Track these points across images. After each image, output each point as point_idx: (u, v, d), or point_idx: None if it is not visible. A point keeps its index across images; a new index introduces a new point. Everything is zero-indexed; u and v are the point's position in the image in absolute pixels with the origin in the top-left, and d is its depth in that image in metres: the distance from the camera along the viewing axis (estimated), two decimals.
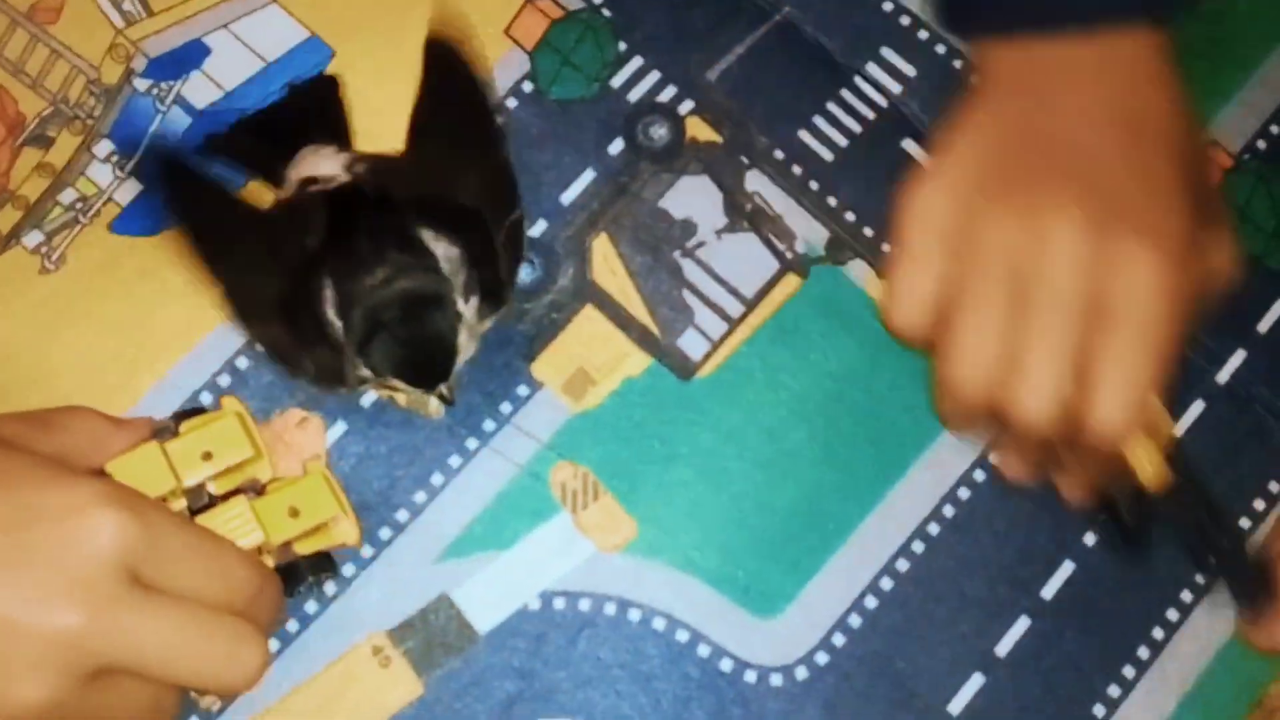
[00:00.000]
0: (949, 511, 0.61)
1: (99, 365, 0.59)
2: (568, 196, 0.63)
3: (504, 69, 0.65)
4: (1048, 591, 0.60)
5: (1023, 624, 0.60)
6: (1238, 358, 0.64)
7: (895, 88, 0.66)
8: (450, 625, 0.58)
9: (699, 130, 0.65)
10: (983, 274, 0.51)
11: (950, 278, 0.52)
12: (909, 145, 0.65)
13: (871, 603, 0.59)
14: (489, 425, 0.60)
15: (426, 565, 0.59)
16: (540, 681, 0.58)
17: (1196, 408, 0.63)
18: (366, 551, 0.58)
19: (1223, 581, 0.58)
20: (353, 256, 0.54)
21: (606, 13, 0.66)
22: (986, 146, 0.53)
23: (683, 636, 0.58)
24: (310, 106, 0.61)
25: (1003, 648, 0.59)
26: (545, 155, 0.64)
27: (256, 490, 0.55)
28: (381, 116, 0.61)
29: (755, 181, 0.64)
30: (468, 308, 0.55)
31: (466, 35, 0.60)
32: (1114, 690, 0.59)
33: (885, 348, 0.58)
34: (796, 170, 0.64)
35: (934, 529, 0.60)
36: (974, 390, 0.51)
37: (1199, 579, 0.61)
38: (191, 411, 0.57)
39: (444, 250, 0.54)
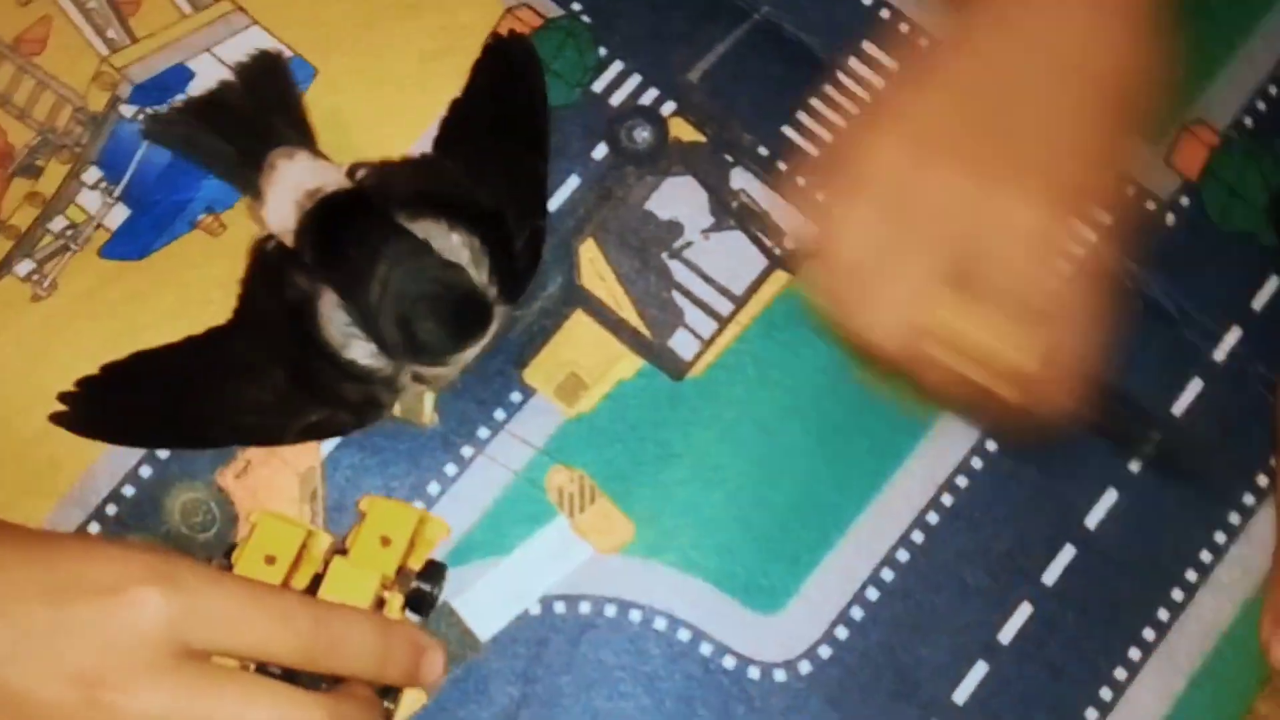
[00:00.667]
0: (947, 500, 0.60)
1: None
2: (553, 203, 0.64)
3: None
4: (1049, 577, 0.60)
5: (1025, 611, 0.59)
6: (1234, 335, 0.63)
7: (879, 81, 0.66)
8: (452, 633, 0.58)
9: (682, 131, 0.65)
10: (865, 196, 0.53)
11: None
12: None
13: (873, 594, 0.59)
14: (483, 433, 0.60)
15: None
16: (543, 686, 0.58)
17: (1195, 386, 0.63)
18: None
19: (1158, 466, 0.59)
20: (348, 266, 0.55)
21: (586, 19, 0.66)
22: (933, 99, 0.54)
23: (684, 635, 0.58)
24: (260, 89, 0.61)
25: (1005, 635, 0.59)
26: None
27: (341, 550, 0.55)
28: (366, 131, 0.61)
29: (740, 179, 0.64)
30: (490, 291, 0.55)
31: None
32: (1120, 673, 0.59)
33: None
34: (782, 166, 0.64)
35: (933, 518, 0.60)
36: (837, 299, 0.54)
37: (1203, 558, 0.60)
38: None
39: (459, 239, 0.55)
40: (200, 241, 0.62)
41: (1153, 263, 0.64)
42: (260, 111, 0.60)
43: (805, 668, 0.58)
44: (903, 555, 0.60)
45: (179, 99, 0.63)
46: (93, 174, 0.62)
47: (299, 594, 0.51)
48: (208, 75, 0.63)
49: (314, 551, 0.55)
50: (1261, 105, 0.67)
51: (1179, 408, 0.62)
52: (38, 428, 0.58)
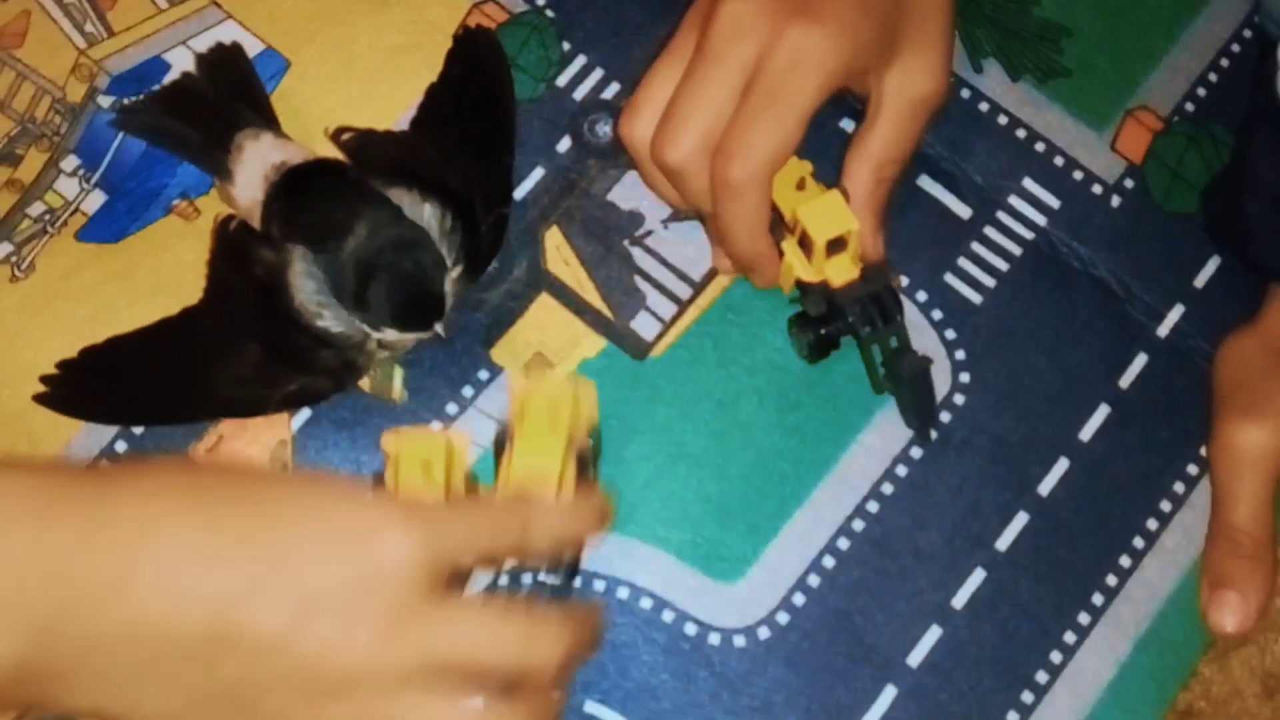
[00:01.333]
0: (902, 471, 0.62)
1: None
2: (519, 193, 0.65)
3: None
4: (1002, 543, 0.61)
5: (978, 576, 0.61)
6: (1176, 312, 0.65)
7: None
8: None
9: None
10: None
11: None
12: (846, 124, 0.67)
13: (829, 562, 0.61)
14: (452, 409, 0.62)
15: None
16: None
17: (1139, 361, 0.64)
18: None
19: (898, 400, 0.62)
20: (326, 226, 0.57)
21: (550, 14, 0.68)
22: None
23: (647, 604, 0.60)
24: (222, 78, 0.64)
25: (959, 600, 0.61)
26: None
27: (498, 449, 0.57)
28: (337, 120, 0.63)
29: None
30: (454, 268, 0.58)
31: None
32: (1070, 637, 0.60)
33: None
34: None
35: (887, 488, 0.62)
36: (639, 141, 0.61)
37: (1150, 525, 0.62)
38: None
39: (431, 210, 0.57)
40: (175, 226, 0.63)
41: (1099, 243, 0.66)
42: (224, 99, 0.62)
43: (764, 633, 0.60)
44: (858, 524, 0.61)
45: (153, 90, 0.65)
46: (71, 161, 0.64)
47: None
48: (183, 68, 0.65)
49: (457, 455, 0.56)
50: (1202, 92, 0.69)
51: (1125, 381, 0.64)
52: (16, 405, 0.59)
